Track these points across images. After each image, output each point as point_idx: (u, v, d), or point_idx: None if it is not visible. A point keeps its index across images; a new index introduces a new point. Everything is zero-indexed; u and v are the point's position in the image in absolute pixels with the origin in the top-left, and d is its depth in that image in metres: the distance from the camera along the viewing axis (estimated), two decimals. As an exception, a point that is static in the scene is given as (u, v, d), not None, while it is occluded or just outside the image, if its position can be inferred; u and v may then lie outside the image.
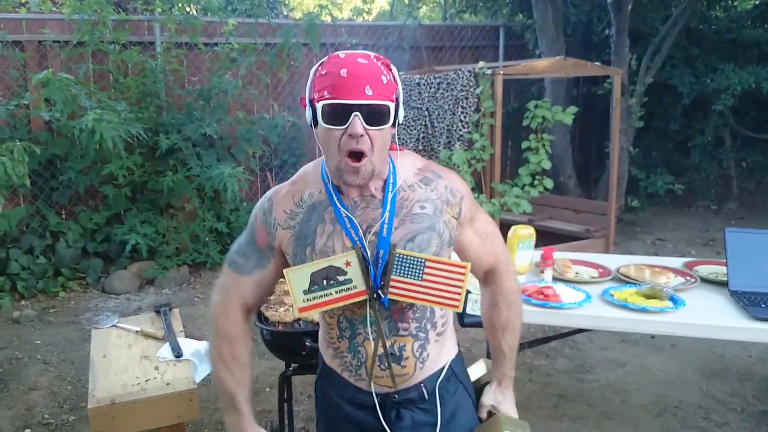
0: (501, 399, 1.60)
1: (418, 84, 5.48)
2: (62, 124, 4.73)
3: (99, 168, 4.94)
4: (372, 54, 1.31)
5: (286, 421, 2.50)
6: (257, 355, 3.85)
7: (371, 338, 1.39)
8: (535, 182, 4.92)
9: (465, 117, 5.12)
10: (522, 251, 2.55)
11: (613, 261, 2.78)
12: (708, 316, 2.21)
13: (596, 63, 5.50)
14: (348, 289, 1.34)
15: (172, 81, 5.40)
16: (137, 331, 2.38)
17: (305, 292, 1.34)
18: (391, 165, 1.39)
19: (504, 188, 4.94)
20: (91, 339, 2.37)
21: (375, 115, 1.25)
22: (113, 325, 2.46)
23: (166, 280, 5.08)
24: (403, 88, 5.64)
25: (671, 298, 2.29)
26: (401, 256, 1.32)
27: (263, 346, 2.40)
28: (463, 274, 1.33)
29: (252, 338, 1.53)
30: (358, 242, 1.34)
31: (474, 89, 5.02)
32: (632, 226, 6.77)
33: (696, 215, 7.30)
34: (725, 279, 2.45)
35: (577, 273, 2.61)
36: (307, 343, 2.16)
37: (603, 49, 7.20)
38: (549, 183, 4.93)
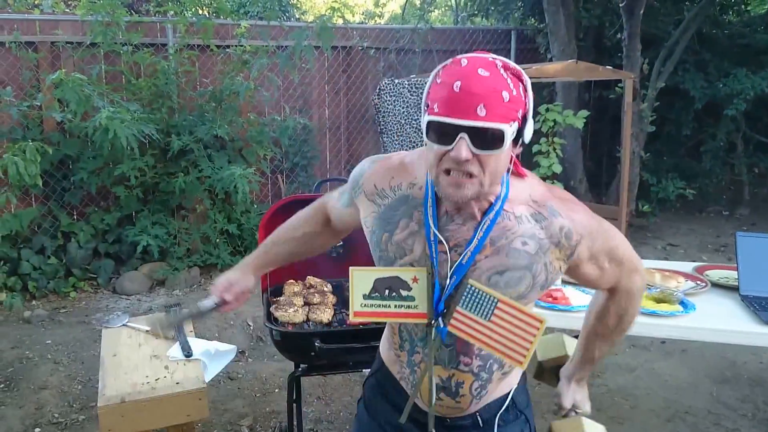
0: (581, 399, 1.59)
1: (429, 87, 5.47)
2: (74, 124, 4.75)
3: (111, 169, 4.96)
4: (501, 62, 1.14)
5: (295, 422, 2.50)
6: (266, 356, 3.86)
7: (424, 364, 1.30)
8: (546, 186, 4.89)
9: (476, 120, 5.08)
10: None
11: (624, 265, 2.76)
12: (719, 320, 2.20)
13: (608, 67, 5.47)
14: (408, 306, 1.24)
15: (184, 82, 5.40)
16: (147, 331, 2.38)
17: (365, 297, 1.26)
18: (504, 188, 1.25)
19: (514, 192, 4.90)
20: (102, 338, 2.36)
21: (485, 139, 1.11)
22: (123, 325, 2.45)
23: (177, 282, 5.09)
24: (413, 92, 5.69)
25: (681, 303, 2.28)
26: (473, 288, 1.20)
27: (273, 348, 2.39)
28: (538, 329, 1.19)
29: (320, 236, 1.62)
30: (432, 261, 1.23)
31: (485, 92, 4.99)
32: (643, 231, 6.73)
33: (707, 221, 7.25)
34: (736, 284, 2.44)
35: (587, 276, 2.59)
36: (316, 344, 2.15)
37: (615, 53, 7.16)
38: (559, 187, 4.91)
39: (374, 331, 1.87)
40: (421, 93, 5.50)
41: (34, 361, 3.82)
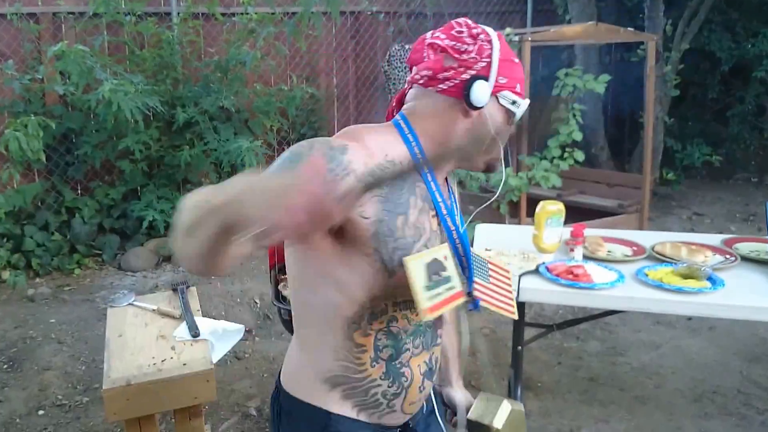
0: (469, 398, 1.44)
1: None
2: (77, 97, 4.66)
3: (115, 142, 4.88)
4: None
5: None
6: (274, 335, 3.78)
7: (418, 351, 1.21)
8: (565, 155, 4.74)
9: (491, 86, 4.91)
10: (550, 228, 2.41)
11: (648, 238, 2.63)
12: (749, 296, 2.09)
13: (629, 28, 5.27)
14: (450, 288, 1.08)
15: (189, 53, 5.29)
16: (154, 310, 2.33)
17: (427, 288, 1.05)
18: None
19: (532, 161, 4.76)
20: (107, 318, 2.31)
21: None
22: (129, 304, 2.41)
23: (184, 258, 5.01)
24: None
25: (709, 278, 2.17)
26: (475, 255, 1.19)
27: (280, 326, 2.34)
28: (510, 279, 1.27)
29: None
30: (454, 233, 1.17)
31: (500, 57, 4.81)
32: (668, 200, 6.57)
33: (735, 188, 7.06)
34: (767, 257, 2.33)
35: (609, 251, 2.47)
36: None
37: (636, 14, 6.97)
38: (580, 155, 4.75)
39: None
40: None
41: (37, 341, 3.76)
